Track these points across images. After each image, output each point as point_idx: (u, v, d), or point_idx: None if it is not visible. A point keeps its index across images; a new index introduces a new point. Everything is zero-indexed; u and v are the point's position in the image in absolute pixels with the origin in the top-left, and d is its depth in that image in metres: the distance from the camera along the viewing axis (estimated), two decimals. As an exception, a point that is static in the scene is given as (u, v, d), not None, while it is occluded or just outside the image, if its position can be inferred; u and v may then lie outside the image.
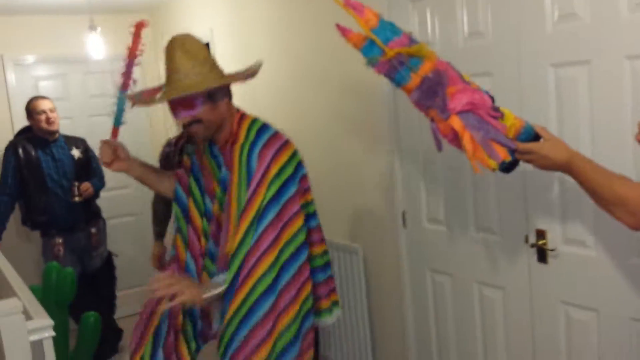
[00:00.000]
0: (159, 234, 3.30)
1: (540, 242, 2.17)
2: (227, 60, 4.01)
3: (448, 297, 2.62)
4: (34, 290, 2.40)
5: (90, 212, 4.01)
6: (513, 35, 2.14)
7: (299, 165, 1.99)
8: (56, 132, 3.86)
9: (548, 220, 2.14)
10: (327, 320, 2.14)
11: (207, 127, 1.93)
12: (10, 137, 4.03)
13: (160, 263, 3.25)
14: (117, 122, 2.13)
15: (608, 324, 2.01)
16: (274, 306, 1.84)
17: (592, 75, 1.92)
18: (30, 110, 3.80)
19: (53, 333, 1.75)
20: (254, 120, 2.00)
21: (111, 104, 2.11)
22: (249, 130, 1.96)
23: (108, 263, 4.21)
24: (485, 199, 2.37)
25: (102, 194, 4.18)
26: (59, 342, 2.36)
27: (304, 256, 1.95)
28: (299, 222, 1.93)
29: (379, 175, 2.83)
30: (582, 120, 1.98)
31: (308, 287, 1.97)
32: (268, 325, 1.83)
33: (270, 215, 1.86)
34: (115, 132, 2.15)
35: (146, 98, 2.01)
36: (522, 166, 2.16)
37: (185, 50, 1.89)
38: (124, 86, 2.12)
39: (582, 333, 2.10)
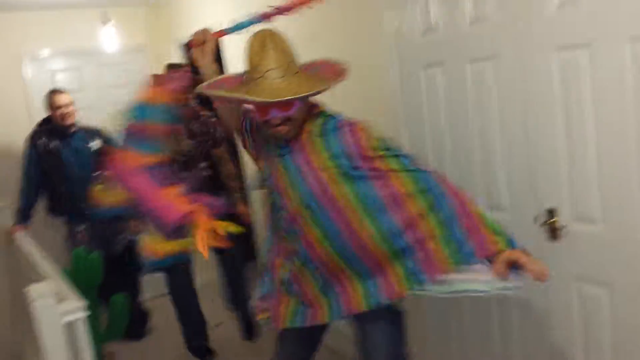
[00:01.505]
0: None
1: (551, 220, 2.22)
2: (236, 49, 4.07)
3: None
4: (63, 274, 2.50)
5: (111, 200, 4.10)
6: (517, 18, 2.17)
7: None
8: (73, 125, 3.95)
9: (557, 198, 2.19)
10: None
11: (295, 127, 1.90)
12: (28, 129, 4.13)
13: None
14: (229, 29, 2.07)
15: (621, 299, 2.06)
16: None
17: (593, 58, 1.96)
18: (49, 104, 3.91)
19: (86, 313, 1.84)
20: (322, 111, 2.03)
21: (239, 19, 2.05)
22: (319, 117, 1.99)
23: (131, 248, 4.30)
24: (495, 178, 2.42)
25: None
26: (90, 323, 2.46)
27: None
28: None
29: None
30: (585, 103, 2.02)
31: None
32: None
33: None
34: (221, 33, 2.08)
35: (234, 97, 1.89)
36: (530, 145, 2.22)
37: (276, 45, 1.82)
38: (265, 15, 2.06)
39: (596, 308, 2.15)
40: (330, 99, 3.18)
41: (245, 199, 3.66)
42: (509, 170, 2.35)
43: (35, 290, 1.77)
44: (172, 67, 3.57)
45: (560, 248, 2.22)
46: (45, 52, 4.64)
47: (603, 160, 2.01)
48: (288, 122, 1.86)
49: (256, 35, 1.86)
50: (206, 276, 4.70)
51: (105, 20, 4.10)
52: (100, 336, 3.35)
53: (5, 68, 4.45)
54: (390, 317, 2.10)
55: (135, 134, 1.90)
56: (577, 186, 2.12)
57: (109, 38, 4.17)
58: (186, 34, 4.68)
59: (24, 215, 3.82)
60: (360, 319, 2.07)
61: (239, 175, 3.69)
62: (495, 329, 2.59)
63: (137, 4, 4.82)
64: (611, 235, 2.05)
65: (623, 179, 1.96)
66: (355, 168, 1.85)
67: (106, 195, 1.93)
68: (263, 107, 1.83)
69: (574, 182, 2.13)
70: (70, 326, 1.83)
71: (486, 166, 2.45)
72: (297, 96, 1.76)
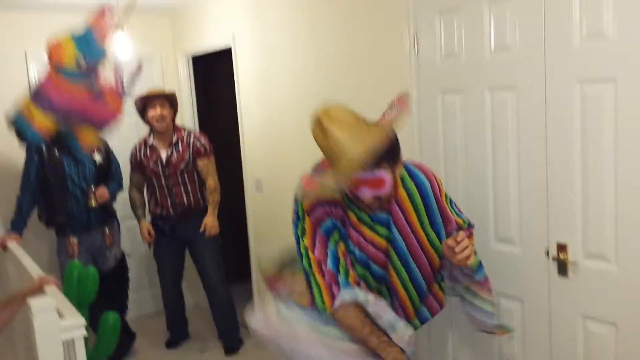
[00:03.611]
0: (142, 215, 4.10)
1: (562, 256, 2.19)
2: (249, 65, 4.06)
3: (466, 307, 2.64)
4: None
5: (106, 214, 4.04)
6: (540, 49, 2.17)
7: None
8: None
9: (570, 233, 2.16)
10: None
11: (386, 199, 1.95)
12: (31, 134, 4.06)
13: (150, 236, 4.04)
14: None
15: (627, 338, 2.03)
16: None
17: (618, 93, 1.95)
18: None
19: (85, 332, 1.78)
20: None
21: None
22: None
23: (121, 264, 4.23)
24: (507, 210, 2.39)
25: (119, 195, 4.22)
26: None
27: None
28: None
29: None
30: (606, 139, 2.00)
31: None
32: None
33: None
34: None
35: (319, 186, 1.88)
36: (545, 178, 2.20)
37: (335, 120, 1.78)
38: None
39: (600, 347, 2.12)
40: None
41: (217, 213, 4.00)
42: (522, 202, 2.32)
43: (35, 305, 1.70)
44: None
45: (569, 284, 2.19)
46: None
47: (620, 198, 1.99)
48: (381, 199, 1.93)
49: (314, 120, 1.83)
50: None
51: (119, 27, 4.05)
52: (88, 355, 3.24)
53: (10, 67, 4.38)
54: None
55: None
56: (591, 223, 2.09)
57: (123, 45, 4.11)
58: (194, 46, 4.71)
59: (19, 224, 3.73)
60: None
61: (217, 189, 3.96)
62: (496, 361, 2.55)
63: (145, 12, 4.78)
64: (623, 274, 2.02)
65: (640, 219, 1.94)
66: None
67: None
68: (353, 187, 1.85)
69: (588, 218, 2.10)
70: (68, 344, 1.77)
71: (499, 196, 2.42)
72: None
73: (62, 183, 3.84)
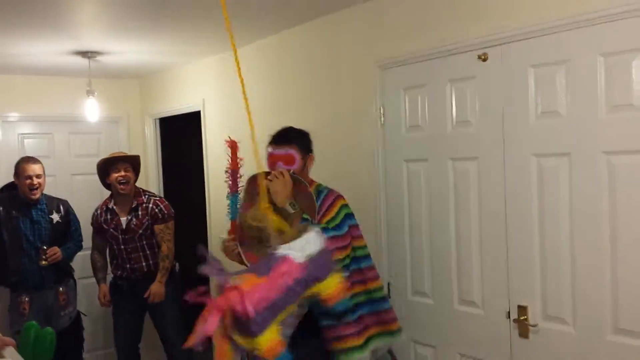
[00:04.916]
0: (102, 279, 4.01)
1: (522, 318, 2.30)
2: (216, 130, 4.16)
3: (430, 369, 2.70)
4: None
5: (60, 273, 3.97)
6: (498, 125, 2.35)
7: (348, 215, 2.41)
8: (37, 197, 3.87)
9: (529, 296, 2.28)
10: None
11: None
12: (-8, 192, 4.00)
13: (107, 300, 3.98)
14: (233, 216, 2.44)
15: (586, 399, 2.11)
16: None
17: (572, 167, 2.12)
18: (19, 171, 3.81)
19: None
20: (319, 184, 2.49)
21: (226, 204, 2.47)
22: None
23: (76, 324, 4.11)
24: (469, 273, 2.50)
25: (78, 253, 4.15)
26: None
27: None
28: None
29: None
30: (561, 207, 2.16)
31: None
32: None
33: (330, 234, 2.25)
34: (233, 225, 2.42)
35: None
36: (505, 243, 2.33)
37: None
38: (234, 191, 2.53)
39: (560, 407, 2.20)
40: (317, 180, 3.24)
41: (165, 280, 3.87)
42: (484, 266, 2.44)
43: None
44: None
45: (529, 345, 2.29)
46: (15, 115, 4.61)
47: (576, 263, 2.13)
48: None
49: None
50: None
51: (90, 92, 4.13)
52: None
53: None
54: None
55: None
56: (550, 286, 2.22)
57: (92, 109, 4.19)
58: (162, 109, 4.79)
59: None
60: None
61: (169, 256, 3.89)
62: None
63: (116, 76, 4.88)
64: (579, 336, 2.13)
65: (595, 284, 2.07)
66: None
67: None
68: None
69: (546, 282, 2.23)
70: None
71: (462, 259, 2.53)
72: None
73: (17, 242, 3.78)
